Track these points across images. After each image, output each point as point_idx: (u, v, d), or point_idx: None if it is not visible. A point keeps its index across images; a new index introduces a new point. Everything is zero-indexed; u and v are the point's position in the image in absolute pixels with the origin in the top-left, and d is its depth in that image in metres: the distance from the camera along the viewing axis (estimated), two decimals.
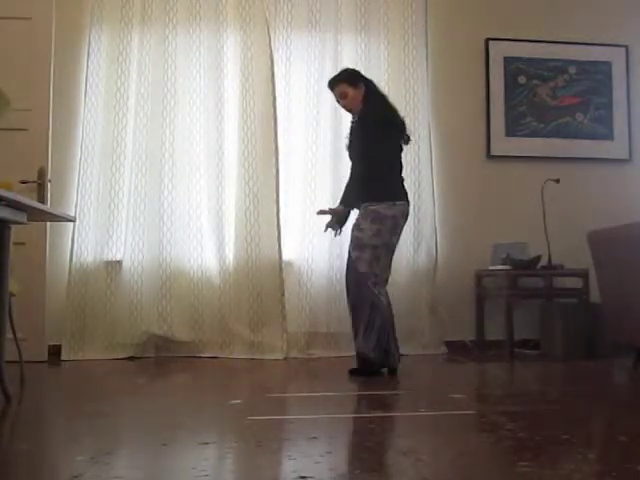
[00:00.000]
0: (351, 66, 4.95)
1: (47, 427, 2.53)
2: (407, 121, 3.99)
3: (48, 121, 4.36)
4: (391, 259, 3.81)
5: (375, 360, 3.64)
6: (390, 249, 3.77)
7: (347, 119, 4.92)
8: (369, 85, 3.93)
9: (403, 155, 4.72)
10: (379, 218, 3.68)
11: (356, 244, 3.70)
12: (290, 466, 1.92)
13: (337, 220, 3.98)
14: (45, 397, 3.23)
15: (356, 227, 3.75)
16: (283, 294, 4.59)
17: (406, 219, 3.80)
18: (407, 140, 3.91)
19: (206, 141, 4.74)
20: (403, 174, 3.90)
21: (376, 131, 3.75)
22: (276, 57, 4.80)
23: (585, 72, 5.33)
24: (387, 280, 3.80)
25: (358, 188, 3.81)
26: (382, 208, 3.68)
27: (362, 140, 3.78)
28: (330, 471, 1.88)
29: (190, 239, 4.67)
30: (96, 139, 4.64)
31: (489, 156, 5.19)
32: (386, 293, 3.73)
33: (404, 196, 3.79)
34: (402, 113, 4.87)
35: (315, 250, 4.74)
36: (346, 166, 4.63)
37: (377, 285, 3.68)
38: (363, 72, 4.90)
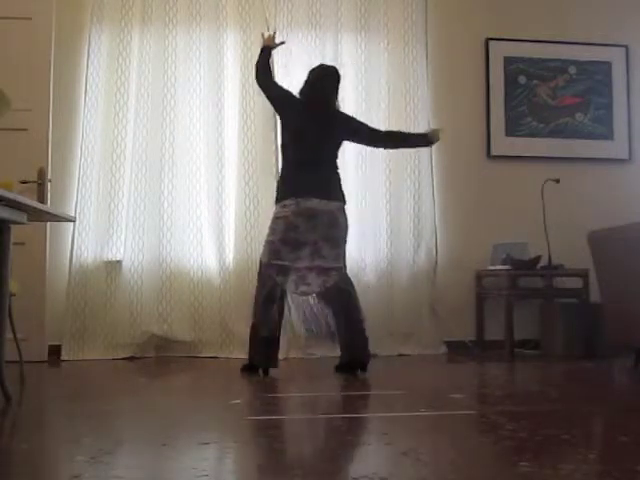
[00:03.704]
0: (351, 66, 4.97)
1: (47, 427, 2.53)
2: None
3: (48, 121, 4.36)
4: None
5: None
6: None
7: None
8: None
9: (402, 155, 4.74)
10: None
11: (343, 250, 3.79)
12: (290, 466, 1.92)
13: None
14: (45, 397, 3.23)
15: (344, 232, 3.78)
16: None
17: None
18: (317, 113, 3.82)
19: (206, 141, 4.74)
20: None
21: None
22: (276, 57, 4.79)
23: (585, 72, 5.33)
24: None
25: (333, 184, 3.79)
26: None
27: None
28: (330, 471, 1.88)
29: (190, 239, 4.67)
30: (96, 139, 4.63)
31: (489, 156, 5.19)
32: None
33: None
34: (403, 113, 4.93)
35: None
36: (346, 166, 4.64)
37: None
38: (363, 72, 4.96)
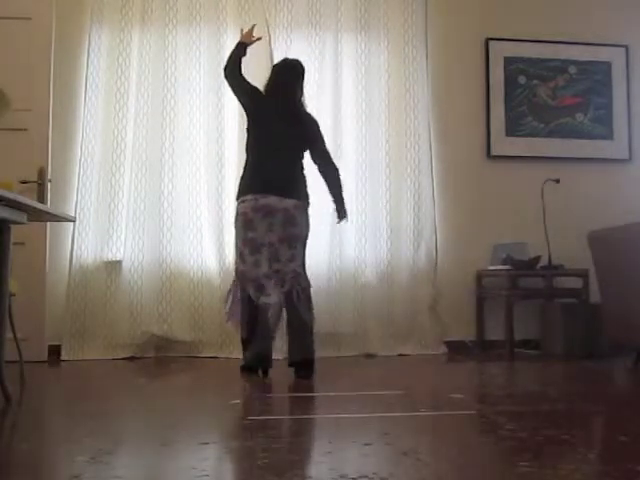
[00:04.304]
0: (351, 66, 4.98)
1: (47, 427, 2.53)
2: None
3: (48, 121, 4.37)
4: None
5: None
6: None
7: (346, 119, 4.94)
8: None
9: (402, 155, 4.72)
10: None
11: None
12: (290, 466, 1.92)
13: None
14: (45, 397, 3.23)
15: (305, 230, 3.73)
16: None
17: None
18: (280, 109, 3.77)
19: (206, 141, 4.74)
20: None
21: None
22: (276, 57, 4.79)
23: (585, 72, 5.33)
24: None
25: (295, 183, 3.73)
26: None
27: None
28: (330, 471, 1.88)
29: (190, 239, 4.68)
30: (96, 139, 4.64)
31: (489, 156, 5.19)
32: None
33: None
34: (403, 113, 4.93)
35: (314, 250, 4.72)
36: (344, 166, 4.64)
37: None
38: (363, 72, 4.97)
